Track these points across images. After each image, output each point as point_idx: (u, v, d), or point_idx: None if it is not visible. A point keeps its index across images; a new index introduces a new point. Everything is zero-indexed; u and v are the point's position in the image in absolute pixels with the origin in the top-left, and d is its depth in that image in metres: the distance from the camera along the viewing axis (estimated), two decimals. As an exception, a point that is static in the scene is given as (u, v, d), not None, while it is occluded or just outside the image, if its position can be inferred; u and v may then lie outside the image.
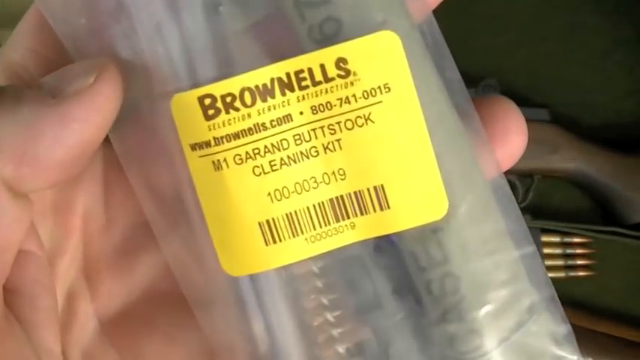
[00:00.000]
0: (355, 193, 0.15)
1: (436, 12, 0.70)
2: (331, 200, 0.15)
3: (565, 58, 0.67)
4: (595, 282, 0.63)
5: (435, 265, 0.15)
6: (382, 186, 0.15)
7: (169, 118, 0.15)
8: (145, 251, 0.19)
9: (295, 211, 0.15)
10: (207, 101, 0.15)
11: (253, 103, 0.15)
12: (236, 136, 0.15)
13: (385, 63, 0.15)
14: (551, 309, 0.17)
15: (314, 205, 0.15)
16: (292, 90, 0.15)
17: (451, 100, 0.18)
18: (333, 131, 0.15)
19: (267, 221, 0.15)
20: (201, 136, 0.15)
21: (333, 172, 0.15)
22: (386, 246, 0.16)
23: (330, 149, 0.15)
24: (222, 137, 0.15)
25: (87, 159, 0.17)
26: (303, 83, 0.15)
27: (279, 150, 0.15)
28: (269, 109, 0.15)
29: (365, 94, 0.15)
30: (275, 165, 0.15)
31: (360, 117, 0.15)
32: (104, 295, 0.19)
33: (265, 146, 0.15)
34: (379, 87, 0.15)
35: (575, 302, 0.62)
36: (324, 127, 0.15)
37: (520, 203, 0.62)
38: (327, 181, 0.15)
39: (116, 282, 0.19)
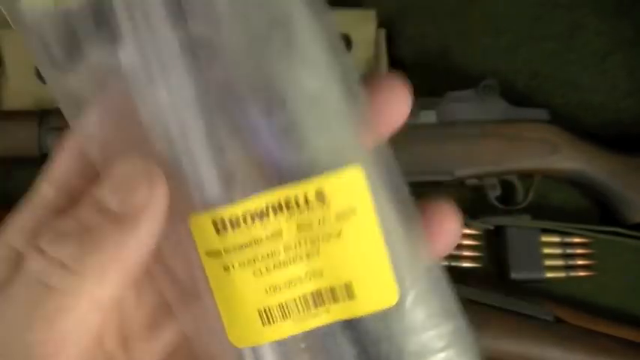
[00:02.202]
0: (330, 287, 0.21)
1: (436, 12, 0.70)
2: (312, 293, 0.21)
3: (565, 58, 0.67)
4: (595, 282, 0.63)
5: (385, 339, 0.21)
6: (350, 282, 0.21)
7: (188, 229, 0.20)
8: (169, 322, 0.23)
9: (285, 301, 0.21)
10: (218, 221, 0.20)
11: (252, 222, 0.20)
12: (240, 247, 0.20)
13: (352, 191, 0.20)
14: None
15: (299, 297, 0.21)
16: (282, 212, 0.20)
17: (401, 213, 0.22)
18: (313, 243, 0.20)
19: (264, 309, 0.21)
20: (213, 246, 0.20)
21: (314, 272, 0.21)
22: (351, 324, 0.21)
23: (311, 256, 0.20)
24: (229, 248, 0.20)
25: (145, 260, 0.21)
26: (291, 207, 0.20)
27: (272, 257, 0.20)
28: (264, 227, 0.20)
29: (337, 215, 0.20)
30: (269, 268, 0.20)
31: (333, 233, 0.20)
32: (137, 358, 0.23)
33: (262, 255, 0.20)
34: (347, 210, 0.20)
35: (575, 302, 0.62)
36: (306, 239, 0.20)
37: (520, 203, 0.63)
38: (309, 279, 0.21)
39: (146, 348, 0.23)
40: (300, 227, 0.20)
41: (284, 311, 0.21)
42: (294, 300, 0.21)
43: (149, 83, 0.19)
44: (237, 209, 0.20)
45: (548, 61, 0.67)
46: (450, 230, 0.23)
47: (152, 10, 0.18)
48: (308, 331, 0.21)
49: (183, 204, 0.20)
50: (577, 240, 0.63)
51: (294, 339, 0.21)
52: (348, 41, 0.63)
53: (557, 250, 0.62)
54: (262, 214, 0.20)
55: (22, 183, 0.64)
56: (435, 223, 0.23)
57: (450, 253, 0.61)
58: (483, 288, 0.59)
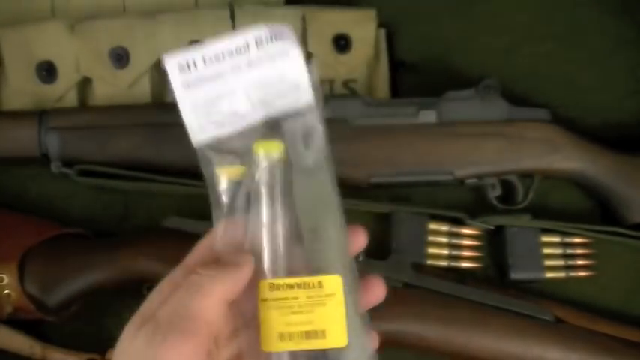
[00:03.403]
0: (314, 330, 0.38)
1: (436, 12, 0.70)
2: (305, 331, 0.38)
3: (565, 58, 0.67)
4: (595, 282, 0.63)
5: None
6: (324, 330, 0.38)
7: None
8: (235, 338, 0.40)
9: (293, 331, 0.38)
10: (271, 285, 0.39)
11: (286, 289, 0.39)
12: (277, 299, 0.38)
13: (334, 285, 0.39)
14: None
15: (300, 331, 0.38)
16: (300, 287, 0.39)
17: (353, 295, 0.40)
18: (311, 306, 0.38)
19: (282, 332, 0.38)
20: (266, 296, 0.39)
21: (308, 321, 0.38)
22: (323, 352, 0.39)
23: (309, 312, 0.38)
24: (272, 298, 0.39)
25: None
26: (305, 286, 0.39)
27: (291, 308, 0.38)
28: (291, 292, 0.39)
29: (326, 295, 0.38)
30: (290, 312, 0.38)
31: (322, 303, 0.38)
32: (222, 356, 0.40)
33: (287, 305, 0.38)
34: (330, 293, 0.39)
35: (575, 302, 0.62)
36: (308, 303, 0.38)
37: (520, 203, 0.63)
38: (305, 323, 0.38)
39: (224, 352, 0.40)
40: (308, 297, 0.38)
41: (291, 336, 0.38)
42: (297, 332, 0.38)
43: (267, 212, 0.40)
44: (281, 281, 0.39)
45: (548, 61, 0.67)
46: (377, 292, 0.41)
47: (276, 199, 0.40)
48: (300, 350, 0.39)
49: (258, 276, 0.39)
50: (577, 240, 0.63)
51: (294, 353, 0.39)
52: (348, 41, 0.63)
53: (557, 250, 0.62)
54: (292, 286, 0.39)
55: (22, 183, 0.64)
56: (368, 285, 0.41)
57: (450, 253, 0.61)
58: (483, 288, 0.59)
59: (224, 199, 0.40)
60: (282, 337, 0.38)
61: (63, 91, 0.63)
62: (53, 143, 0.60)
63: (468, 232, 0.62)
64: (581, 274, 0.62)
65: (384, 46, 0.65)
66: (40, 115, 0.60)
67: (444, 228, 0.62)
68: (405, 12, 0.67)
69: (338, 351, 0.39)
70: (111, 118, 0.60)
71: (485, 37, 0.67)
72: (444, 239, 0.62)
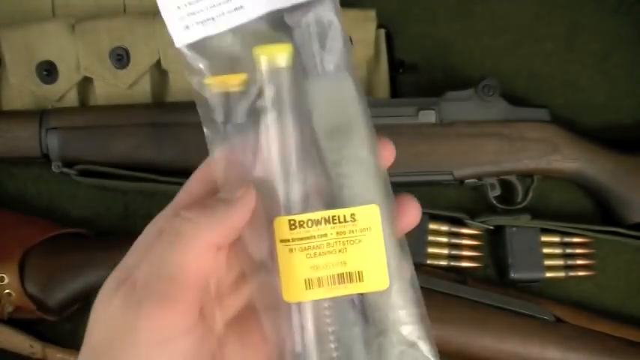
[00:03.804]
0: (349, 272, 0.33)
1: (436, 12, 0.70)
2: (338, 274, 0.33)
3: (565, 58, 0.67)
4: (595, 282, 0.63)
5: (377, 309, 0.33)
6: (362, 271, 0.33)
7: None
8: (244, 286, 0.34)
9: (321, 276, 0.33)
10: (292, 222, 0.32)
11: (311, 226, 0.32)
12: (300, 239, 0.32)
13: (370, 218, 0.33)
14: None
15: (330, 275, 0.32)
16: (329, 223, 0.33)
17: (395, 236, 0.34)
18: (343, 244, 0.32)
19: (308, 279, 0.32)
20: (285, 236, 0.32)
21: (341, 262, 0.33)
22: (358, 297, 0.33)
23: (341, 252, 0.33)
24: (295, 238, 0.32)
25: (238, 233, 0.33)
26: (335, 221, 0.33)
27: (318, 248, 0.32)
28: (318, 230, 0.32)
29: (360, 230, 0.32)
30: (316, 255, 0.32)
31: (356, 240, 0.33)
32: (226, 307, 0.34)
33: (313, 245, 0.33)
34: (366, 228, 0.33)
35: (575, 302, 0.62)
36: (340, 241, 0.33)
37: (520, 203, 0.63)
38: (337, 265, 0.33)
39: (229, 302, 0.34)
40: (338, 233, 0.32)
41: (320, 282, 0.32)
42: (327, 277, 0.32)
43: (275, 133, 0.33)
44: (304, 217, 0.32)
45: (548, 61, 0.67)
46: (413, 213, 0.34)
47: (286, 116, 0.33)
48: (332, 298, 0.32)
49: (271, 211, 0.33)
50: (577, 240, 0.63)
51: (323, 302, 0.32)
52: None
53: (557, 250, 0.62)
54: (318, 222, 0.32)
55: (23, 183, 0.65)
56: (401, 207, 0.34)
57: (450, 253, 0.61)
58: (483, 288, 0.59)
59: (217, 116, 0.33)
60: (309, 284, 0.32)
61: (63, 91, 0.63)
62: (54, 143, 0.60)
63: (468, 232, 0.62)
64: (581, 274, 0.62)
65: (383, 46, 0.65)
66: (41, 115, 0.60)
67: (444, 228, 0.62)
68: (405, 12, 0.68)
69: (378, 295, 0.32)
70: (111, 118, 0.60)
71: (485, 37, 0.67)
72: (443, 239, 0.62)
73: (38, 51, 0.62)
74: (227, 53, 0.33)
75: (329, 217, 0.32)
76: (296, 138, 0.32)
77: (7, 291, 0.57)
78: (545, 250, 0.62)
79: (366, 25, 0.64)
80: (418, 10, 0.68)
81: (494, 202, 0.62)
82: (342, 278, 0.32)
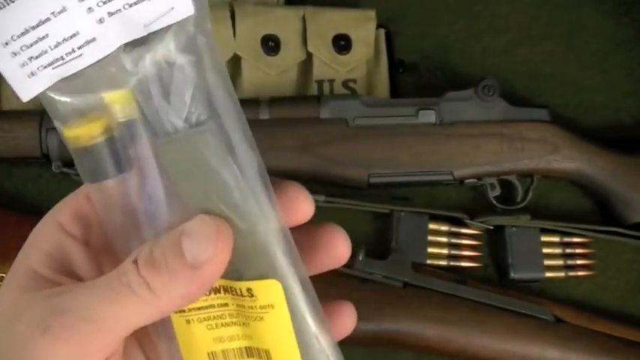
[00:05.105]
0: (256, 348, 0.29)
1: (436, 12, 0.70)
2: (245, 347, 0.29)
3: (565, 58, 0.67)
4: (595, 282, 0.63)
5: None
6: (269, 350, 0.29)
7: None
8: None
9: (226, 349, 0.29)
10: None
11: (209, 294, 0.28)
12: (198, 309, 0.28)
13: (272, 293, 0.28)
14: None
15: (236, 348, 0.29)
16: (227, 292, 0.28)
17: (311, 307, 0.28)
18: (246, 318, 0.28)
19: (212, 352, 0.29)
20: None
21: (247, 335, 0.29)
22: None
23: (245, 325, 0.29)
24: (191, 309, 0.28)
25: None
26: (232, 292, 0.28)
27: (220, 319, 0.28)
28: (218, 298, 0.28)
29: (261, 307, 0.28)
30: (219, 325, 0.29)
31: (258, 317, 0.28)
32: None
33: (214, 315, 0.28)
34: (268, 305, 0.28)
35: (575, 302, 0.62)
36: (242, 314, 0.28)
37: (520, 203, 0.63)
38: (243, 338, 0.29)
39: None
40: (238, 306, 0.28)
41: (225, 356, 0.29)
42: (233, 350, 0.29)
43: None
44: None
45: (548, 61, 0.67)
46: (346, 321, 0.31)
47: (151, 168, 0.28)
48: None
49: None
50: (577, 240, 0.63)
51: None
52: (348, 41, 0.63)
53: (557, 250, 0.62)
54: (217, 290, 0.28)
55: (23, 183, 0.64)
56: (335, 311, 0.31)
57: (450, 253, 0.61)
58: (483, 288, 0.59)
59: (82, 165, 0.28)
60: (213, 357, 0.29)
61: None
62: (54, 143, 0.59)
63: (468, 232, 0.62)
64: (581, 273, 0.62)
65: (383, 46, 0.65)
66: (41, 115, 0.60)
67: (444, 228, 0.62)
68: (405, 12, 0.68)
69: None
70: (111, 118, 0.60)
71: (485, 37, 0.67)
72: (443, 239, 0.62)
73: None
74: (80, 101, 0.27)
75: (227, 286, 0.28)
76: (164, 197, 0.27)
77: (7, 291, 0.57)
78: (545, 250, 0.62)
79: (366, 25, 0.64)
80: (418, 10, 0.68)
81: (494, 202, 0.62)
82: (250, 352, 0.29)
